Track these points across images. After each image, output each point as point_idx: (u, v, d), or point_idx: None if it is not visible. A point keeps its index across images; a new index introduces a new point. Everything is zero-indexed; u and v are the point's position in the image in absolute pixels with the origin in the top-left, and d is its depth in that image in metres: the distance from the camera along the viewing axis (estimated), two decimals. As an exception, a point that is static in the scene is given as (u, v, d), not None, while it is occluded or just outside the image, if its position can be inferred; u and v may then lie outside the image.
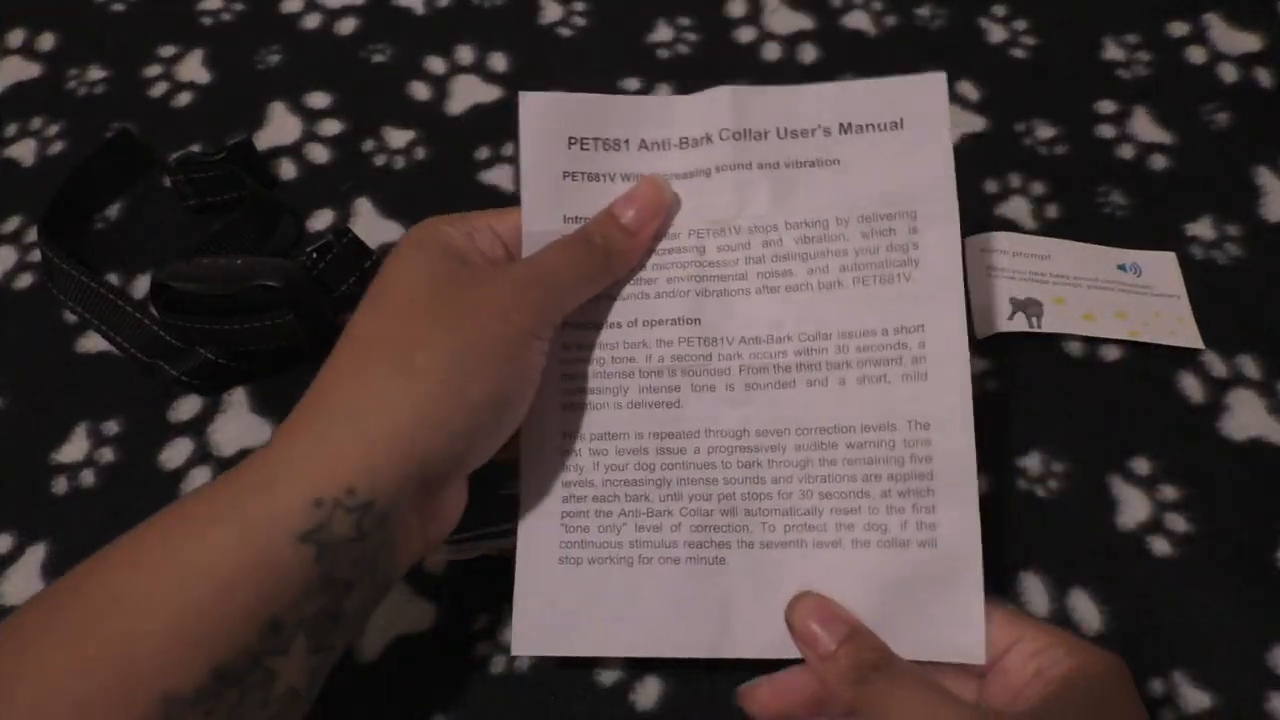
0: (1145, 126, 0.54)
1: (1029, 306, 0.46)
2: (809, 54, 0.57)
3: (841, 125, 0.36)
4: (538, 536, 0.36)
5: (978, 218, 0.50)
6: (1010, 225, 0.50)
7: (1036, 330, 0.45)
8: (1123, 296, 0.47)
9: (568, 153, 0.37)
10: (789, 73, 0.57)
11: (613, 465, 0.36)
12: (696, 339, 0.36)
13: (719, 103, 0.36)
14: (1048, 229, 0.50)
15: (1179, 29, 0.58)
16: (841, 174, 0.36)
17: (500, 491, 0.39)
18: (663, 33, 0.59)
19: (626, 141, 0.37)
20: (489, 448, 0.33)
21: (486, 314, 0.32)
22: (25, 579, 0.41)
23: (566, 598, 0.35)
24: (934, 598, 0.33)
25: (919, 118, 0.35)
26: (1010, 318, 0.46)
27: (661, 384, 0.36)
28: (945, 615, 0.33)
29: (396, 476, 0.30)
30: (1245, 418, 0.44)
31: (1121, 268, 0.47)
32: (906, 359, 0.35)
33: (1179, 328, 0.46)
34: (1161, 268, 0.48)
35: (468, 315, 0.32)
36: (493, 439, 0.33)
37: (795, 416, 0.35)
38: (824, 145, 0.36)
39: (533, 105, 0.37)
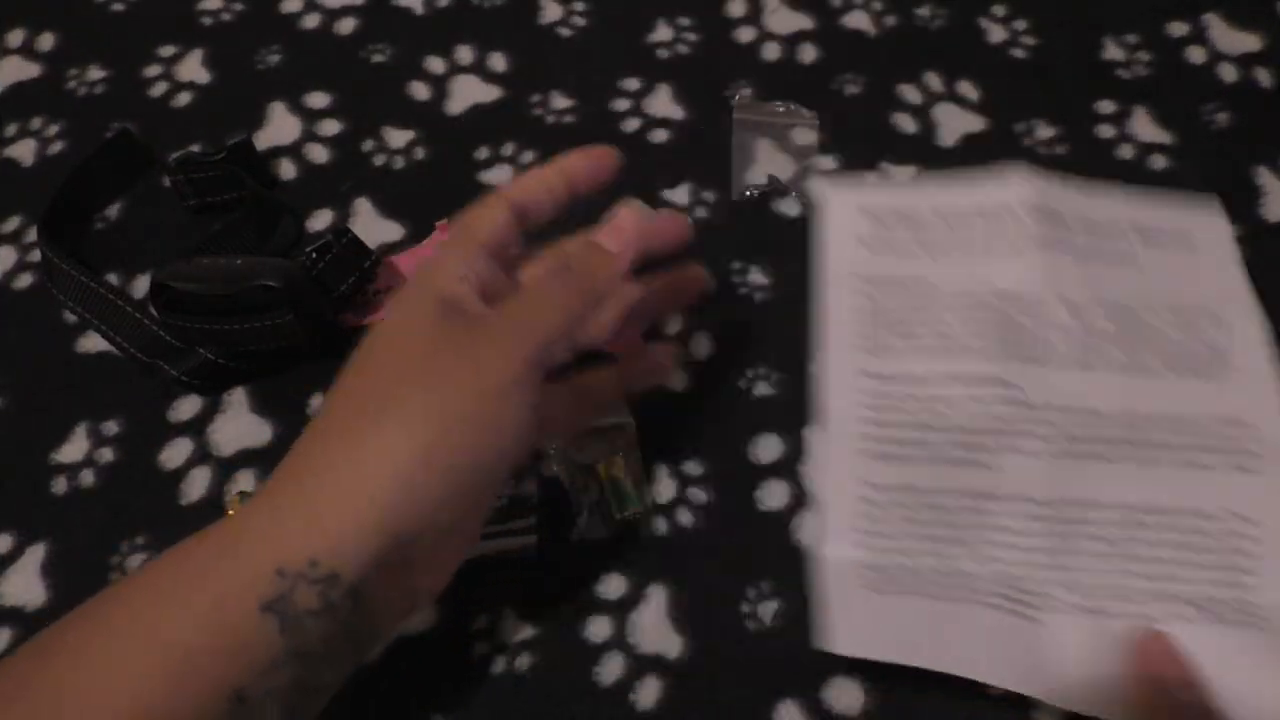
0: (1145, 126, 0.54)
1: None
2: (809, 54, 0.57)
3: (1138, 230, 0.38)
4: (839, 571, 0.36)
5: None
6: (1010, 225, 0.50)
7: None
8: None
9: (861, 221, 0.39)
10: (789, 73, 0.57)
11: (916, 519, 0.35)
12: (1012, 401, 0.36)
13: (1020, 183, 0.39)
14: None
15: (1179, 29, 0.58)
16: (1142, 273, 0.38)
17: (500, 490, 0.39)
18: (663, 33, 0.59)
19: (920, 216, 0.39)
20: (478, 511, 0.32)
21: (464, 370, 0.31)
22: (25, 579, 0.41)
23: (873, 617, 0.35)
24: (1260, 677, 0.33)
25: (1208, 239, 0.39)
26: None
27: (973, 441, 0.36)
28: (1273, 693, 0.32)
29: (367, 548, 0.28)
30: None
31: None
32: (1233, 451, 0.35)
33: None
34: None
35: (446, 373, 0.31)
36: (481, 502, 0.32)
37: (1109, 491, 0.35)
38: (1124, 245, 0.38)
39: (831, 191, 0.41)
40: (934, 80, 0.56)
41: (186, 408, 0.45)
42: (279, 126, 0.55)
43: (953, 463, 0.35)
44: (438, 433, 0.30)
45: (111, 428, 0.45)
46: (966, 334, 0.36)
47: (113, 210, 0.52)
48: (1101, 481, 0.35)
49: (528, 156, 0.53)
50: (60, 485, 0.43)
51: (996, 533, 0.34)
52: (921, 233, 0.39)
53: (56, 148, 0.55)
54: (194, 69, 0.58)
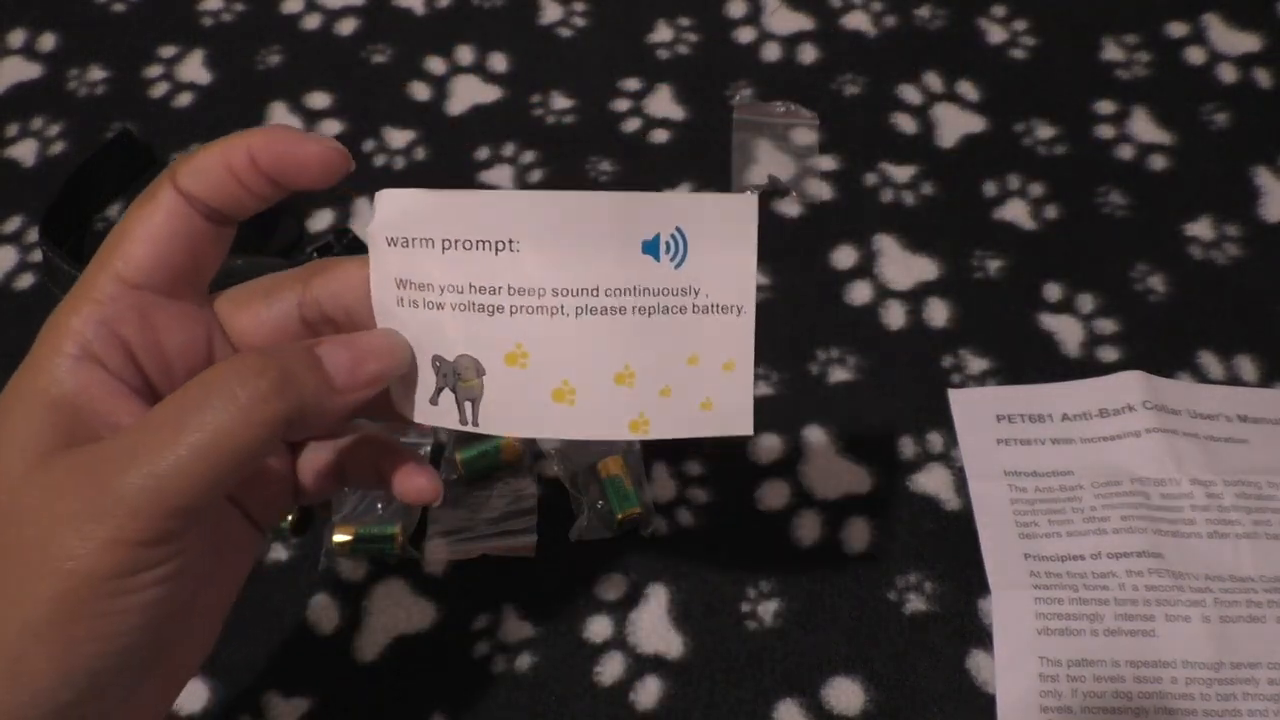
0: (1144, 127, 0.54)
1: (457, 375, 0.27)
2: (809, 54, 0.58)
3: (1240, 416, 0.43)
4: None
5: (975, 222, 0.50)
6: (1009, 227, 0.50)
7: (470, 429, 0.28)
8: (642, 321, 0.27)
9: (997, 426, 0.44)
10: (789, 73, 0.57)
11: (1090, 692, 0.37)
12: (1165, 571, 0.39)
13: (1133, 382, 0.44)
14: (1046, 230, 0.50)
15: (1178, 29, 0.58)
16: (1253, 449, 0.42)
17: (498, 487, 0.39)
18: (663, 33, 0.59)
19: (1049, 416, 0.44)
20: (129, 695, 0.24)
21: (47, 547, 0.22)
22: (26, 579, 0.41)
23: None
24: None
25: None
26: (435, 399, 0.28)
27: (1136, 612, 0.38)
28: None
29: None
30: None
31: (650, 247, 0.26)
32: None
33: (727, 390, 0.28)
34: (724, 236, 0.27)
35: (23, 552, 0.22)
36: (130, 687, 0.24)
37: (1269, 651, 0.37)
38: (1231, 428, 0.43)
39: (963, 397, 0.44)
40: (934, 80, 0.56)
41: (187, 408, 0.45)
42: (279, 127, 0.55)
43: (1121, 634, 0.38)
44: (9, 641, 0.22)
45: (112, 428, 0.45)
46: (1114, 516, 0.40)
47: (113, 210, 0.52)
48: (1259, 643, 0.38)
49: (528, 156, 0.53)
50: (61, 485, 0.43)
51: (1166, 699, 0.37)
52: (1053, 431, 0.43)
53: (57, 148, 0.55)
54: (194, 69, 0.58)
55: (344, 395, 0.25)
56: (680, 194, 0.26)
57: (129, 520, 0.22)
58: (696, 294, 0.27)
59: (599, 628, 0.39)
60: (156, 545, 0.22)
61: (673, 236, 0.26)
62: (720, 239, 0.26)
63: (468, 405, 0.27)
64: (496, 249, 0.26)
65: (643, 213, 0.26)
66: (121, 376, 0.24)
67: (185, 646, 0.27)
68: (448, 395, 0.27)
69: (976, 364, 0.46)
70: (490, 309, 0.26)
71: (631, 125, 0.55)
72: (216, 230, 0.26)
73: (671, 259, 0.26)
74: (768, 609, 0.40)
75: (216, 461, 0.22)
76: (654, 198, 0.26)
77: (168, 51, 0.59)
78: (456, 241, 0.26)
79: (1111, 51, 0.57)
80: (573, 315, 0.26)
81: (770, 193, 0.51)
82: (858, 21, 0.59)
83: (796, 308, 0.48)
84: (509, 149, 0.54)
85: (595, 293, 0.26)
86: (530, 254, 0.26)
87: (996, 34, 0.58)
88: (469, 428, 0.27)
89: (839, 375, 0.46)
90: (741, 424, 0.27)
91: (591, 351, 0.26)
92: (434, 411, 0.28)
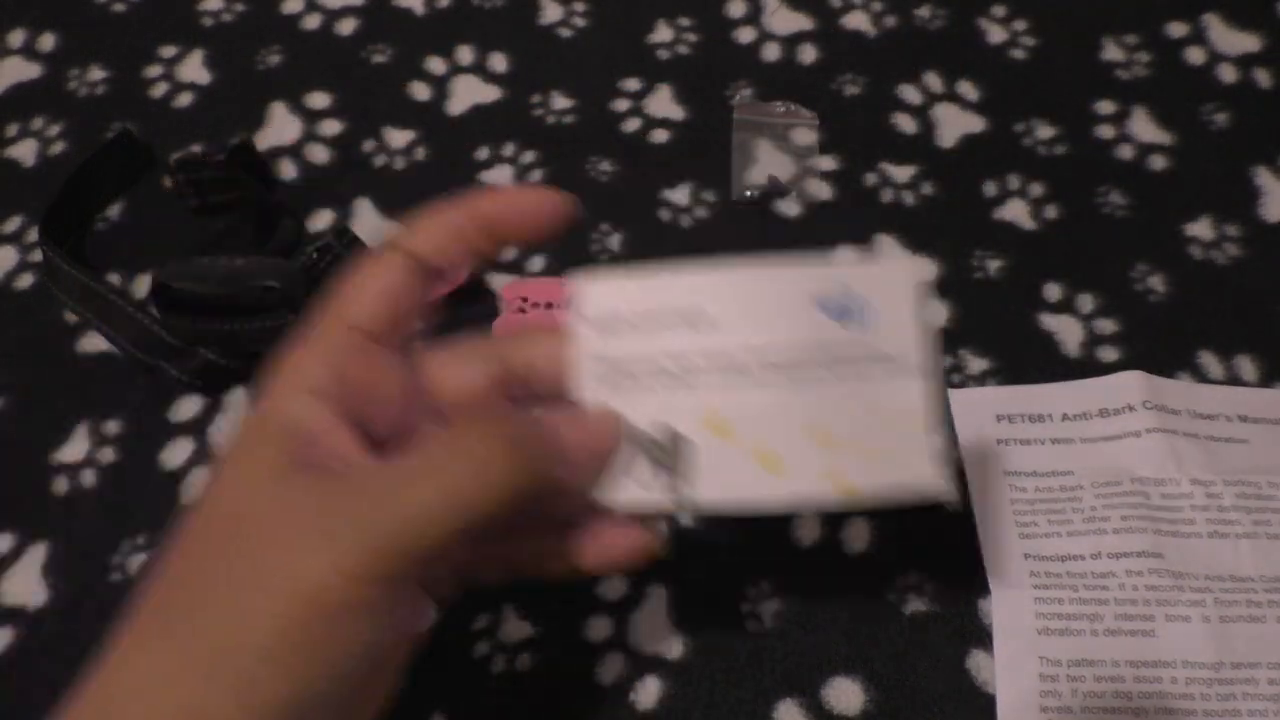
0: (1144, 127, 0.54)
1: (664, 449, 0.28)
2: (809, 54, 0.58)
3: (1240, 417, 0.43)
4: None
5: (975, 222, 0.50)
6: (1009, 227, 0.50)
7: (686, 506, 0.28)
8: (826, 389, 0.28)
9: (997, 426, 0.43)
10: (789, 73, 0.57)
11: (1090, 692, 0.37)
12: (1165, 571, 0.39)
13: (1133, 382, 0.44)
14: (1046, 230, 0.50)
15: (1178, 29, 0.58)
16: (1253, 449, 0.42)
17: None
18: (663, 33, 0.59)
19: (1049, 416, 0.43)
20: None
21: (283, 567, 0.22)
22: (25, 579, 0.41)
23: None
24: None
25: None
26: (640, 478, 0.28)
27: (1136, 612, 0.38)
28: None
29: None
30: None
31: (834, 312, 0.28)
32: None
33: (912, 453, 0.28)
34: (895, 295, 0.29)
35: (257, 568, 0.23)
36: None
37: (1269, 651, 0.37)
38: (1231, 428, 0.43)
39: (963, 397, 0.44)
40: (934, 80, 0.56)
41: (187, 408, 0.45)
42: (279, 127, 0.55)
43: (1121, 634, 0.38)
44: (239, 659, 0.22)
45: (112, 428, 0.45)
46: (1114, 516, 0.40)
47: (113, 210, 0.52)
48: (1259, 643, 0.37)
49: (528, 156, 0.53)
50: (61, 485, 0.43)
51: (1166, 699, 0.37)
52: (1054, 431, 0.43)
53: (57, 148, 0.55)
54: (195, 69, 0.58)
55: (577, 472, 0.27)
56: (854, 261, 0.28)
57: (373, 558, 0.22)
58: (878, 357, 0.28)
59: (599, 628, 0.39)
60: (389, 585, 0.23)
61: (853, 303, 0.28)
62: (894, 303, 0.28)
63: (674, 478, 0.28)
64: (692, 324, 0.28)
65: (824, 281, 0.28)
66: (343, 414, 0.26)
67: (371, 698, 0.27)
68: (651, 469, 0.28)
69: (976, 364, 0.46)
70: (690, 381, 0.28)
71: (631, 125, 0.55)
72: (431, 287, 0.28)
73: (854, 324, 0.28)
74: (768, 609, 0.40)
75: (458, 517, 0.23)
76: (831, 266, 0.29)
77: (168, 51, 0.59)
78: (654, 319, 0.29)
79: (1111, 51, 0.57)
80: (769, 382, 0.28)
81: (770, 193, 0.51)
82: (858, 21, 0.59)
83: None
84: (509, 149, 0.54)
85: (786, 359, 0.28)
86: (724, 326, 0.28)
87: (996, 34, 0.58)
88: (677, 502, 0.28)
89: (839, 375, 0.45)
90: (933, 484, 0.27)
91: (790, 416, 0.28)
92: (636, 488, 0.28)
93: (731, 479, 0.28)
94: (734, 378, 0.28)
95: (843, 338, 0.28)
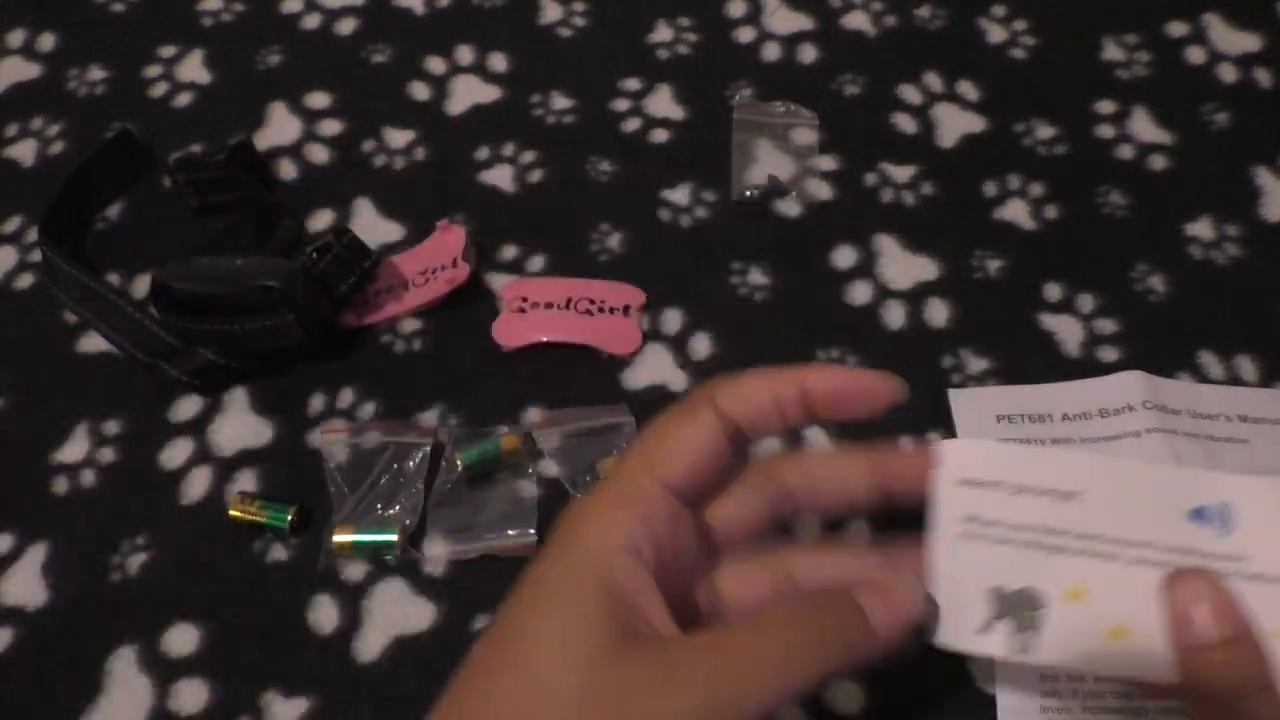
0: (1145, 126, 0.54)
1: (1017, 606, 0.30)
2: (809, 54, 0.58)
3: (1240, 416, 0.43)
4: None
5: (975, 222, 0.50)
6: (1009, 227, 0.50)
7: (1026, 659, 0.29)
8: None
9: (997, 426, 0.44)
10: (789, 73, 0.57)
11: (1090, 692, 0.37)
12: None
13: (1133, 382, 0.44)
14: (1046, 230, 0.50)
15: (1178, 29, 0.58)
16: (1253, 449, 0.42)
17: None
18: (663, 33, 0.59)
19: (1050, 416, 0.44)
20: None
21: None
22: (25, 579, 0.41)
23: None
24: None
25: None
26: (986, 628, 0.29)
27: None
28: None
29: None
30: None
31: (1198, 514, 0.30)
32: None
33: None
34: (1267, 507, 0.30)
35: None
36: None
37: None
38: (1231, 428, 0.43)
39: (963, 397, 0.44)
40: (934, 80, 0.56)
41: (186, 408, 0.45)
42: (279, 127, 0.55)
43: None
44: None
45: (112, 428, 0.45)
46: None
47: (113, 210, 0.52)
48: None
49: (528, 156, 0.53)
50: (60, 485, 0.43)
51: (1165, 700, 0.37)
52: (1054, 430, 0.43)
53: (57, 148, 0.55)
54: (194, 69, 0.58)
55: (881, 645, 0.27)
56: (1228, 475, 0.30)
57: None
58: (1241, 561, 0.29)
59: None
60: None
61: (1220, 510, 0.30)
62: (1267, 517, 0.29)
63: (1025, 635, 0.29)
64: (1063, 498, 0.30)
65: (1193, 486, 0.30)
66: (652, 572, 0.25)
67: None
68: (1002, 624, 0.30)
69: (976, 364, 0.46)
70: (1054, 549, 0.30)
71: (631, 125, 0.55)
72: (739, 455, 0.28)
73: (1217, 529, 0.30)
74: (768, 609, 0.40)
75: (776, 692, 0.24)
76: (1205, 476, 0.30)
77: (168, 51, 0.59)
78: (1027, 488, 0.30)
79: (1111, 51, 0.57)
80: (1130, 564, 0.29)
81: (770, 193, 0.51)
82: (858, 21, 0.59)
83: (797, 308, 0.48)
84: (509, 149, 0.54)
85: (1148, 547, 0.29)
86: (1092, 506, 0.30)
87: (996, 34, 0.58)
88: (1024, 657, 0.29)
89: (839, 375, 0.45)
90: None
91: (1146, 598, 0.29)
92: (982, 639, 0.30)
93: (1079, 643, 0.29)
94: (1096, 555, 0.30)
95: (1203, 538, 0.29)
